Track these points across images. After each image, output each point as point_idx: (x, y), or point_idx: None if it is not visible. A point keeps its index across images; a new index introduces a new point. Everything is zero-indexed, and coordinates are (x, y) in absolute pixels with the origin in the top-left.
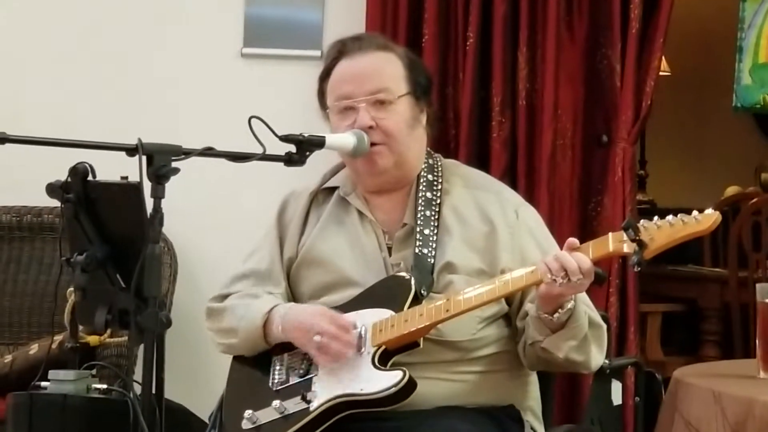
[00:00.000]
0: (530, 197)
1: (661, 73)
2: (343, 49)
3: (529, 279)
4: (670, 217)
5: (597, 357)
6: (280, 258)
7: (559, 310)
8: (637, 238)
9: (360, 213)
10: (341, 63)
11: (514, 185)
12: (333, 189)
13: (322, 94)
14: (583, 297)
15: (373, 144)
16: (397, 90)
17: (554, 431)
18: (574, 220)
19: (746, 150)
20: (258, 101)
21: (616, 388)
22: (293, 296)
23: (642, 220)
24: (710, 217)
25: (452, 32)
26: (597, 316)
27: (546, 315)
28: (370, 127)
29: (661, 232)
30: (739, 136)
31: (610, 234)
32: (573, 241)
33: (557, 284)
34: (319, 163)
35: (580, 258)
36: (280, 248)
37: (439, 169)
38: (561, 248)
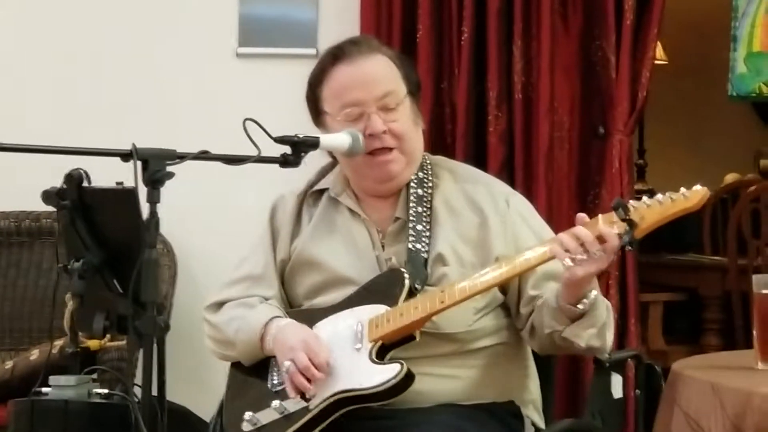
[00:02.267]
0: (528, 191)
1: (657, 62)
2: (339, 53)
3: (540, 258)
4: (659, 196)
5: (610, 339)
6: (273, 261)
7: (584, 300)
8: (627, 217)
9: (351, 212)
10: (340, 68)
11: (511, 179)
12: (322, 191)
13: (315, 101)
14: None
15: (384, 149)
16: (400, 92)
17: (555, 426)
18: (573, 212)
19: (745, 137)
20: (254, 101)
21: (617, 381)
22: (288, 298)
23: (631, 201)
24: (698, 193)
25: (446, 27)
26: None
27: (569, 305)
28: (383, 132)
29: (651, 210)
30: (737, 123)
31: (600, 215)
32: (582, 216)
33: (577, 262)
34: (315, 164)
35: (597, 228)
36: (273, 251)
37: (428, 165)
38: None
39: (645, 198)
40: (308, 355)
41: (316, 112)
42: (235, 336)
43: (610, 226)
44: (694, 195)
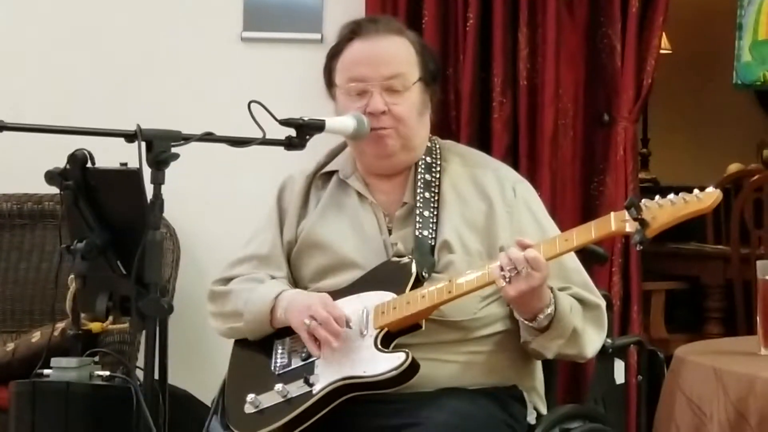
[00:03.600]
0: (532, 177)
1: (662, 51)
2: (357, 29)
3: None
4: (671, 196)
5: (595, 341)
6: (280, 242)
7: (539, 316)
8: (640, 217)
9: (360, 195)
10: (355, 44)
11: (515, 166)
12: (331, 173)
13: (329, 72)
14: (581, 279)
15: (382, 128)
16: (411, 77)
17: (557, 411)
18: (577, 199)
19: (748, 127)
20: (258, 85)
21: (619, 367)
22: (294, 280)
23: (644, 200)
24: (711, 195)
25: (452, 13)
26: (593, 297)
27: (525, 321)
28: (382, 113)
29: (663, 210)
30: (740, 113)
31: (612, 213)
32: (521, 240)
33: (507, 280)
34: (319, 146)
35: (528, 251)
36: (281, 231)
37: (437, 150)
38: (559, 227)
39: (658, 197)
40: (327, 309)
41: (329, 83)
42: (244, 306)
43: (622, 224)
44: (708, 197)
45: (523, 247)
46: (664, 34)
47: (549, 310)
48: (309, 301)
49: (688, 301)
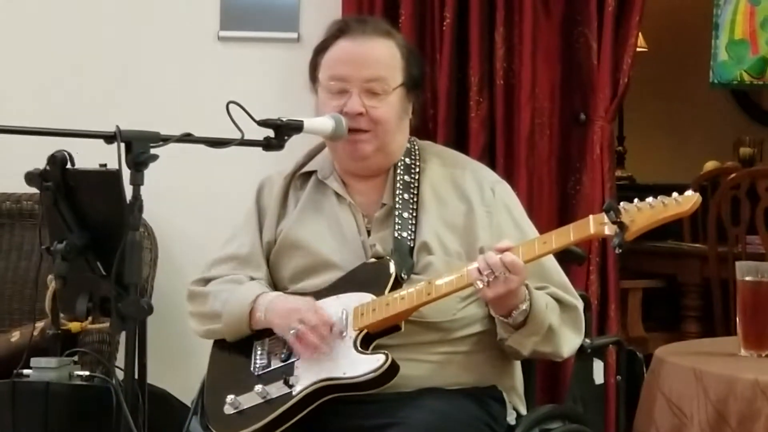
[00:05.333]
0: (509, 176)
1: (638, 50)
2: (345, 28)
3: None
4: (650, 199)
5: (571, 341)
6: (260, 242)
7: (514, 312)
8: (618, 220)
9: (338, 196)
10: (341, 42)
11: (492, 165)
12: (310, 173)
13: (314, 67)
14: (558, 279)
15: (358, 130)
16: (393, 81)
17: (537, 411)
18: (554, 198)
19: (724, 125)
20: (236, 84)
21: (598, 368)
22: (273, 281)
23: (623, 203)
24: (690, 199)
25: (428, 12)
26: (570, 297)
27: (501, 317)
28: (359, 114)
29: (642, 214)
30: (717, 111)
31: (591, 216)
32: (499, 246)
33: (486, 284)
34: (298, 147)
35: (505, 255)
36: (260, 233)
37: (416, 151)
38: (536, 226)
39: (637, 200)
40: (315, 313)
41: (313, 78)
42: (222, 308)
43: (600, 227)
44: (687, 201)
45: (501, 251)
46: (640, 32)
47: (524, 306)
48: (296, 305)
49: (665, 300)
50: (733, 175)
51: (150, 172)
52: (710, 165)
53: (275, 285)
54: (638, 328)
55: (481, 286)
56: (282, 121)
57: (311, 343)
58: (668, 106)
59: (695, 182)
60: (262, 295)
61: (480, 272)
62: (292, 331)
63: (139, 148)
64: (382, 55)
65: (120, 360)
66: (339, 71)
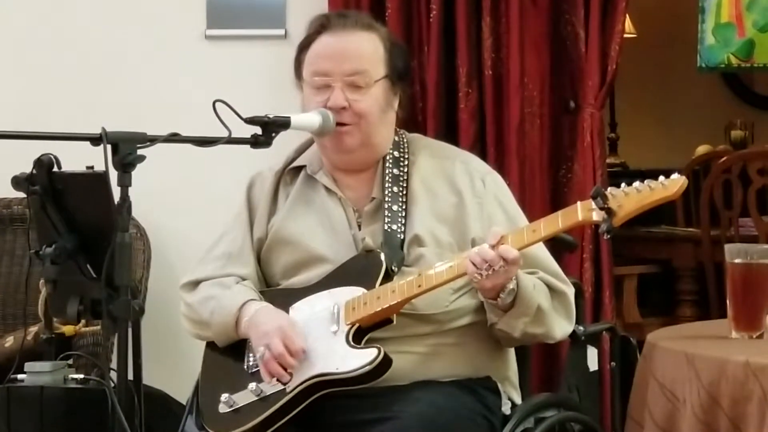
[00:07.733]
0: (500, 167)
1: (626, 36)
2: (326, 23)
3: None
4: (637, 184)
5: (563, 325)
6: (250, 239)
7: (501, 294)
8: (606, 206)
9: (328, 190)
10: (322, 37)
11: (483, 155)
12: (299, 168)
13: (298, 64)
14: (549, 266)
15: (342, 124)
16: (375, 74)
17: (532, 400)
18: (545, 187)
19: (715, 108)
20: (223, 82)
21: (592, 355)
22: (264, 277)
23: (610, 188)
24: (677, 182)
25: (415, 5)
26: (560, 284)
27: (489, 300)
28: (343, 108)
29: (629, 198)
30: (708, 95)
31: (578, 203)
32: (496, 232)
33: (484, 277)
34: (287, 142)
35: (503, 248)
36: (250, 228)
37: (405, 144)
38: (528, 215)
39: (623, 185)
40: (284, 341)
41: (298, 75)
42: (210, 318)
43: (588, 213)
44: (673, 184)
45: (495, 245)
46: (628, 17)
47: (511, 285)
48: (267, 329)
49: (660, 285)
50: (723, 159)
51: (142, 173)
52: (702, 149)
53: (267, 281)
54: (634, 314)
55: (479, 278)
56: (269, 118)
57: (272, 371)
58: (659, 91)
59: (688, 167)
60: (247, 305)
61: (476, 267)
62: (258, 354)
63: (125, 149)
64: (363, 48)
65: (115, 362)
66: (321, 66)
